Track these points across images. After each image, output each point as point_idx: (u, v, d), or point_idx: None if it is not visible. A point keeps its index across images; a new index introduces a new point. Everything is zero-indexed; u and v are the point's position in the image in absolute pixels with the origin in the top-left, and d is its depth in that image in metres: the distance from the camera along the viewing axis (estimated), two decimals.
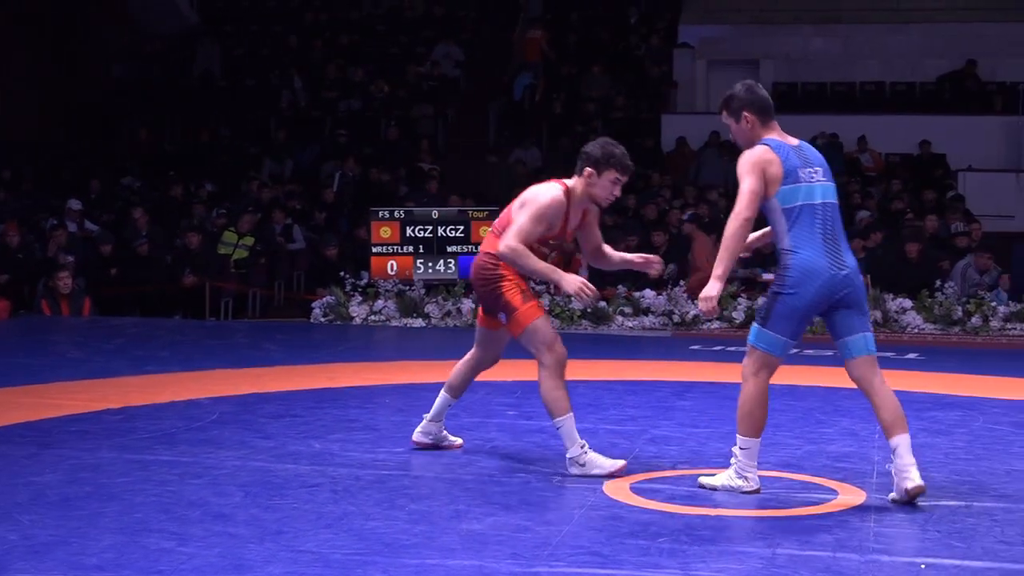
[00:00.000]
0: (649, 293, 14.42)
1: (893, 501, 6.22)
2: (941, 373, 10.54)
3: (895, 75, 23.80)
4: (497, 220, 7.14)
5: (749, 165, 6.25)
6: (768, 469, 7.01)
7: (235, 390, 9.50)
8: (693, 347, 12.80)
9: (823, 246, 6.21)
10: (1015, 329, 13.97)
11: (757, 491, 6.34)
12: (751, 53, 24.28)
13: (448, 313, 14.52)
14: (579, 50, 24.78)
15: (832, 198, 6.34)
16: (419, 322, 14.48)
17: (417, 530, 5.63)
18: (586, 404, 9.08)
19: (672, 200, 18.83)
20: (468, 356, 7.39)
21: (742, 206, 6.20)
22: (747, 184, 6.22)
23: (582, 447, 6.77)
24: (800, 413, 8.87)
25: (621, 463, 6.79)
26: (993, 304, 14.19)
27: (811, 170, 6.31)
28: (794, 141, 6.45)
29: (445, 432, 7.49)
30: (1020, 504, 6.26)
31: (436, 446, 7.41)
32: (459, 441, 7.53)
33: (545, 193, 6.91)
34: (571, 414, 6.78)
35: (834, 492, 6.49)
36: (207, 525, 5.65)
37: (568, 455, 6.79)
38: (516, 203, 7.00)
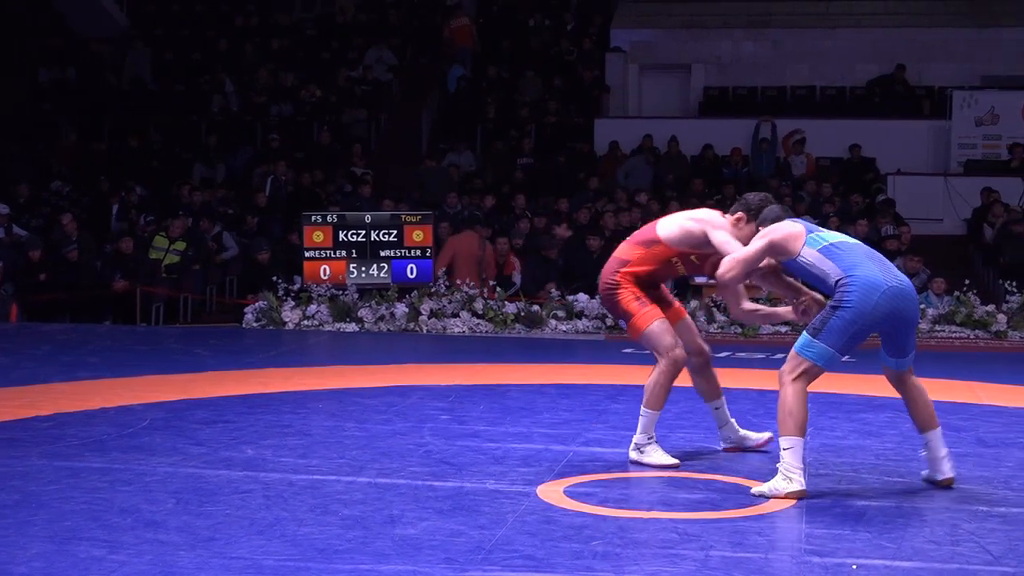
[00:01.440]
0: (583, 297, 14.44)
1: (924, 480, 6.75)
2: (872, 375, 10.61)
3: (825, 79, 23.98)
4: (638, 232, 7.45)
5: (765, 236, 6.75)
6: (701, 472, 7.06)
7: (166, 396, 9.43)
8: (626, 350, 12.82)
9: (874, 264, 6.48)
10: (943, 331, 14.11)
11: (802, 493, 6.37)
12: (682, 57, 24.38)
13: (381, 317, 14.48)
14: (512, 54, 24.79)
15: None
16: (352, 327, 14.43)
17: (351, 535, 5.61)
18: (520, 408, 9.10)
19: (606, 204, 18.85)
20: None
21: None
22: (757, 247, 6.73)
23: (649, 438, 7.15)
24: (733, 416, 8.89)
25: (675, 461, 7.15)
26: (922, 306, 14.32)
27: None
28: None
29: (742, 432, 7.68)
30: (949, 504, 6.33)
31: (741, 447, 7.62)
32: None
33: (721, 224, 7.18)
34: (659, 412, 7.21)
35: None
36: (138, 532, 5.60)
37: (635, 440, 7.20)
38: (680, 222, 7.25)
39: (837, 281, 6.43)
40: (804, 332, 6.51)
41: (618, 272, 7.24)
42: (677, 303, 7.58)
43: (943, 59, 23.49)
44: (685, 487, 6.68)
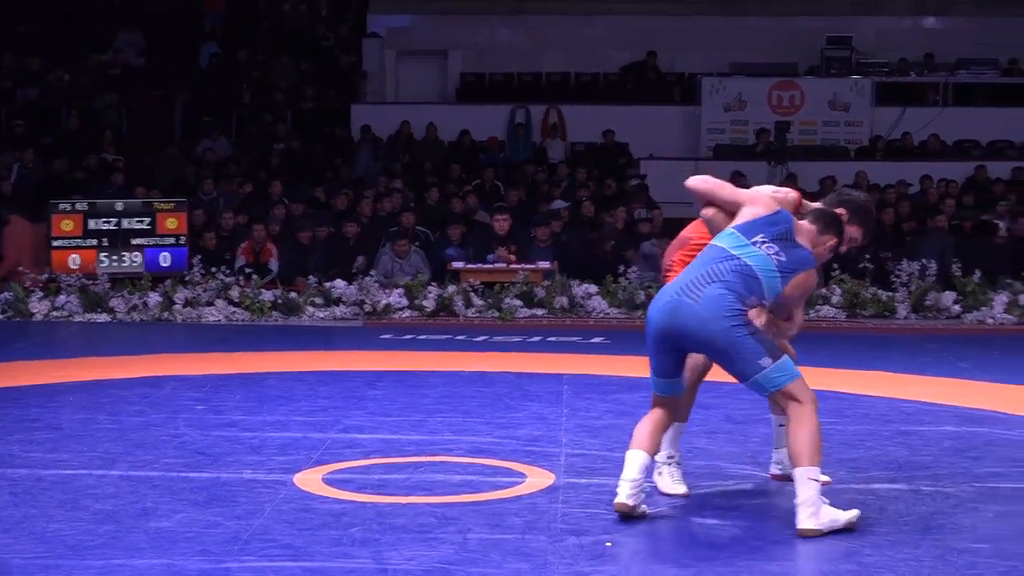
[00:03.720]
0: (340, 283, 14.36)
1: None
2: (627, 356, 10.85)
3: (580, 66, 24.34)
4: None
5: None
6: (459, 455, 7.10)
7: None
8: (384, 336, 12.83)
9: (689, 275, 5.84)
10: None
11: (623, 508, 5.77)
12: (440, 43, 24.44)
13: (134, 307, 14.16)
14: (268, 39, 24.50)
15: (747, 258, 5.79)
16: (104, 317, 14.08)
17: (102, 530, 5.50)
18: (277, 396, 9.02)
19: (365, 190, 18.76)
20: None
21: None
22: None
23: (670, 457, 6.35)
24: (490, 399, 8.99)
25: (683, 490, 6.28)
26: None
27: (760, 237, 5.86)
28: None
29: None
30: (698, 481, 6.49)
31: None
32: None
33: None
34: (682, 424, 6.42)
35: (523, 476, 6.61)
36: None
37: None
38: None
39: None
40: None
41: (675, 253, 6.50)
42: None
43: (693, 47, 24.08)
44: (444, 471, 6.71)
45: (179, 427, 7.86)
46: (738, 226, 5.92)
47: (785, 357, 5.78)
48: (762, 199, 6.03)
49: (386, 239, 15.93)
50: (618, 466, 6.67)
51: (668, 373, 5.93)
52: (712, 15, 24.35)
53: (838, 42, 23.42)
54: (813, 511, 5.58)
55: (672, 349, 5.87)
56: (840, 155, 22.02)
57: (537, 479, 6.52)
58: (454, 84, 24.14)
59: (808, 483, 5.59)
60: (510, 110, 22.11)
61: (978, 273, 14.19)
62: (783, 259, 5.83)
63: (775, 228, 5.89)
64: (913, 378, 10.19)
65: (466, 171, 20.23)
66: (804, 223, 6.05)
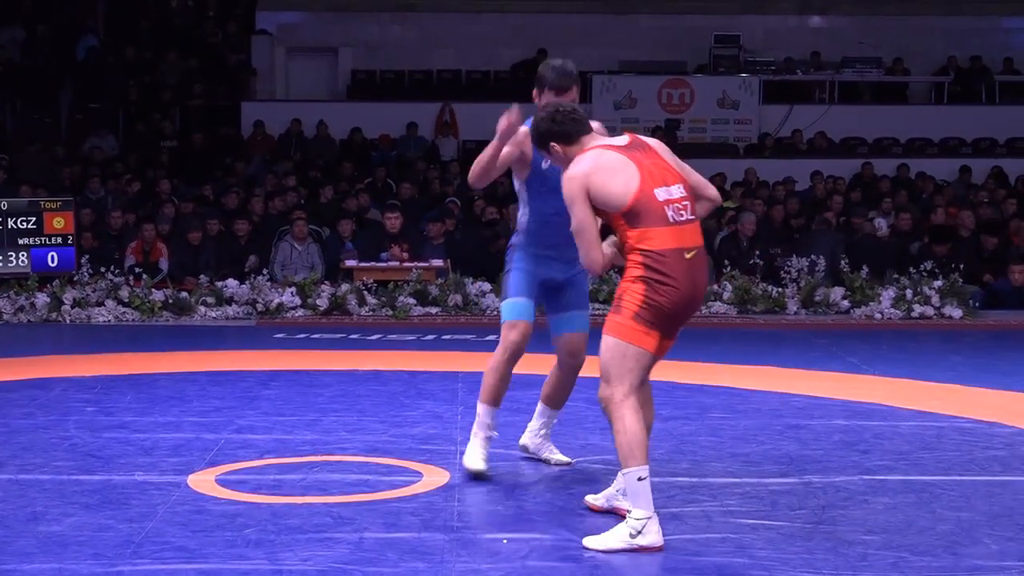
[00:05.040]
0: (232, 283, 14.23)
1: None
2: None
3: (470, 63, 24.38)
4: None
5: None
6: (354, 454, 7.08)
7: None
8: (278, 335, 12.73)
9: None
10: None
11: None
12: (330, 40, 24.36)
13: (21, 308, 13.93)
14: (154, 36, 24.22)
15: None
16: None
17: None
18: (169, 397, 8.93)
19: (256, 189, 18.61)
20: None
21: None
22: None
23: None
24: (385, 398, 8.96)
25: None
26: None
27: None
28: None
29: None
30: (594, 476, 6.52)
31: None
32: None
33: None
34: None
35: (419, 474, 6.60)
36: None
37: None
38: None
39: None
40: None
41: None
42: None
43: (583, 44, 24.16)
44: (339, 470, 6.69)
45: (69, 429, 7.75)
46: None
47: (508, 300, 6.58)
48: None
49: (281, 234, 15.79)
50: (515, 464, 6.73)
51: None
52: (601, 13, 24.51)
53: (726, 40, 23.67)
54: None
55: None
56: (730, 153, 22.25)
57: (433, 477, 6.51)
58: (345, 82, 24.06)
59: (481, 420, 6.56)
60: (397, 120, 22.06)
61: (865, 269, 14.40)
62: None
63: None
64: (803, 373, 10.32)
65: (358, 169, 20.16)
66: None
